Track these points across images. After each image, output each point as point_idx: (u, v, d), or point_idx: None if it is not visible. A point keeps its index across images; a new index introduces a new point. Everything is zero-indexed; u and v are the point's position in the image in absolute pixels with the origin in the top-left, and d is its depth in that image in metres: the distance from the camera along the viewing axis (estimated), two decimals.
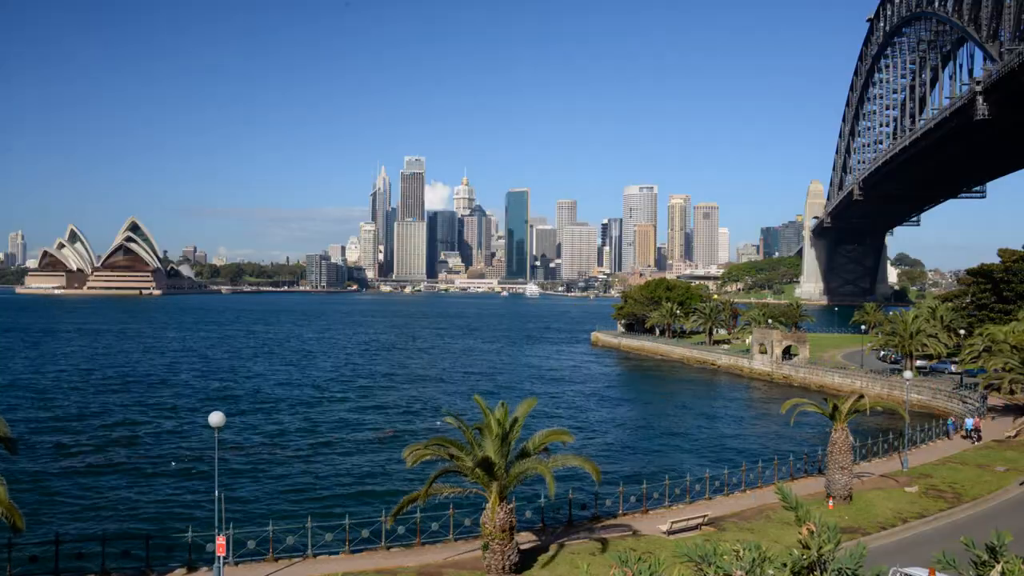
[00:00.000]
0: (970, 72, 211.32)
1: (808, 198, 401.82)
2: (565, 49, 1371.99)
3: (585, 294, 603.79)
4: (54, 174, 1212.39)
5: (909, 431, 46.52)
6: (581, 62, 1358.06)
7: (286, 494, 44.74)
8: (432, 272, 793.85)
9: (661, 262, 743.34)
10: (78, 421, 66.08)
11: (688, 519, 33.58)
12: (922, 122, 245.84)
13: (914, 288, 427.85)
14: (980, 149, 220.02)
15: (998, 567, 7.64)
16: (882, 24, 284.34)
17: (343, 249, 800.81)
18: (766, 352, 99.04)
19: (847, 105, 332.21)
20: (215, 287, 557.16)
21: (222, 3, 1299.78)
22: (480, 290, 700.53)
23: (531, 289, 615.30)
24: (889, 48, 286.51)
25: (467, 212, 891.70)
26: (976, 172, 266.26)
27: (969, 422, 53.06)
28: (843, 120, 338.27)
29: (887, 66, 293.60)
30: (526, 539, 31.24)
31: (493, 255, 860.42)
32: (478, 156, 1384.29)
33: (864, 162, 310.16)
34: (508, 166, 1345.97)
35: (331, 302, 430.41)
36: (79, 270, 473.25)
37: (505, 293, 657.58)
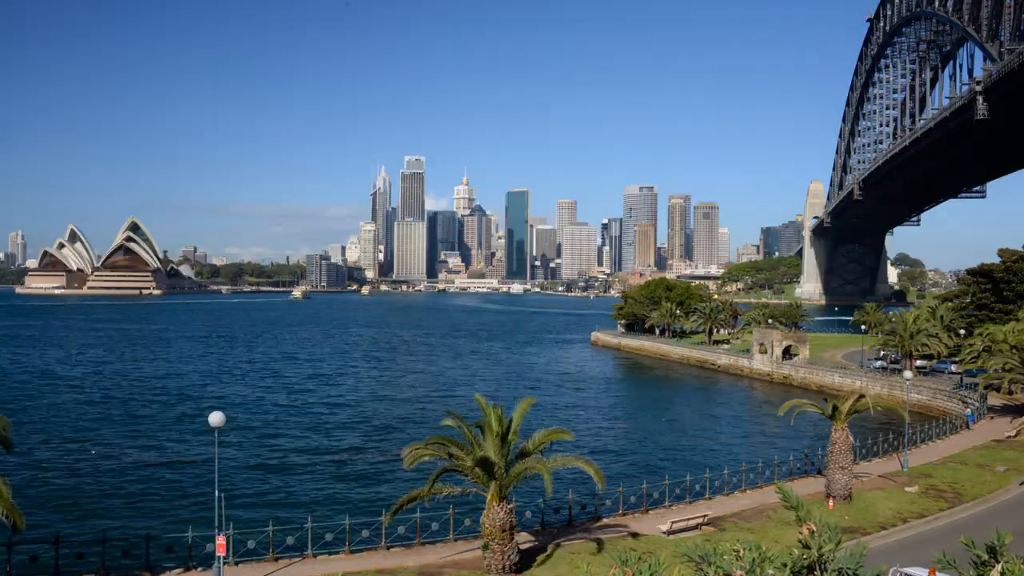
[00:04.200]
0: (970, 72, 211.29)
1: (808, 198, 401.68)
2: (565, 49, 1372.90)
3: (585, 294, 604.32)
4: (54, 174, 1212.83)
5: (909, 431, 46.51)
6: (581, 62, 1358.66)
7: (286, 494, 44.76)
8: (432, 272, 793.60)
9: (661, 262, 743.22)
10: (78, 421, 66.10)
11: (688, 519, 33.59)
12: (922, 122, 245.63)
13: (914, 288, 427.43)
14: (980, 149, 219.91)
15: (998, 567, 7.64)
16: (882, 24, 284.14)
17: (343, 249, 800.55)
18: (766, 352, 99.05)
19: (847, 105, 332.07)
20: (215, 287, 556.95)
21: (222, 3, 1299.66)
22: (481, 290, 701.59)
23: (515, 288, 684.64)
24: (889, 48, 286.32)
25: (467, 212, 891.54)
26: (976, 172, 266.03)
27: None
28: (843, 120, 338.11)
29: (887, 66, 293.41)
30: (526, 539, 31.25)
31: (493, 255, 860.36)
32: (478, 156, 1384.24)
33: (864, 162, 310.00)
34: (508, 166, 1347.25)
35: (327, 303, 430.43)
36: (79, 270, 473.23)
37: (505, 289, 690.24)
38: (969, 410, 58.91)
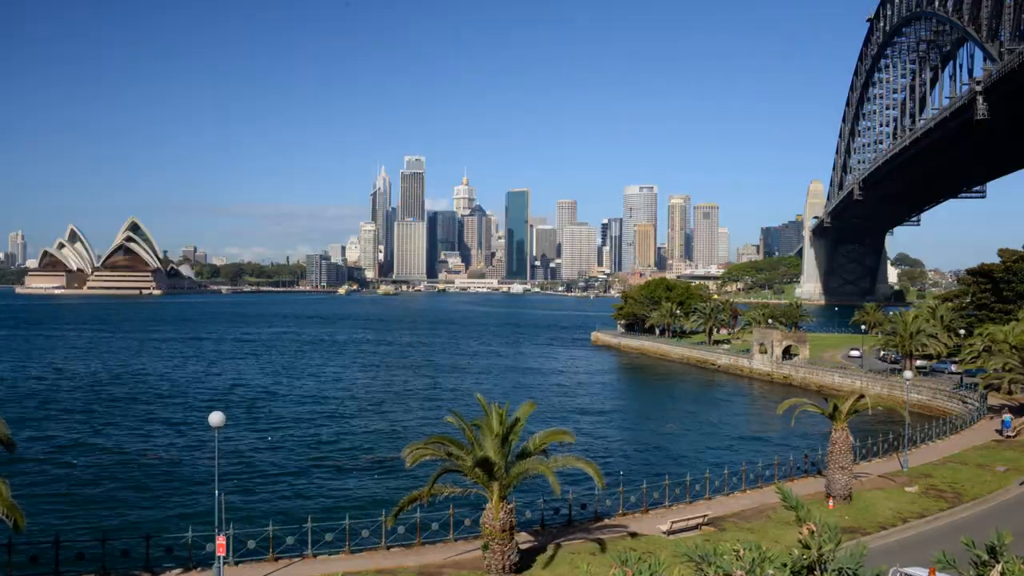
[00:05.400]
0: (970, 72, 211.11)
1: (808, 198, 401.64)
2: (565, 49, 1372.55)
3: (585, 294, 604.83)
4: (54, 174, 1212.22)
5: (909, 431, 46.51)
6: (581, 62, 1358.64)
7: (286, 494, 44.77)
8: (432, 272, 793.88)
9: (661, 262, 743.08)
10: (78, 421, 66.11)
11: (688, 519, 33.59)
12: (922, 122, 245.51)
13: (914, 288, 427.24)
14: (980, 149, 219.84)
15: (998, 567, 7.64)
16: (882, 24, 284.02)
17: (343, 249, 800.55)
18: (766, 352, 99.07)
19: (847, 105, 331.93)
20: (215, 287, 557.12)
21: (222, 3, 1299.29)
22: (481, 290, 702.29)
23: (515, 288, 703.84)
24: (889, 48, 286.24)
25: (467, 212, 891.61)
26: (976, 172, 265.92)
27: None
28: (843, 120, 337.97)
29: (887, 66, 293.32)
30: (526, 539, 31.25)
31: (493, 255, 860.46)
32: (478, 156, 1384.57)
33: (864, 162, 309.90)
34: (508, 166, 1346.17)
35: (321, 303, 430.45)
36: (79, 270, 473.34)
37: (505, 289, 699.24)
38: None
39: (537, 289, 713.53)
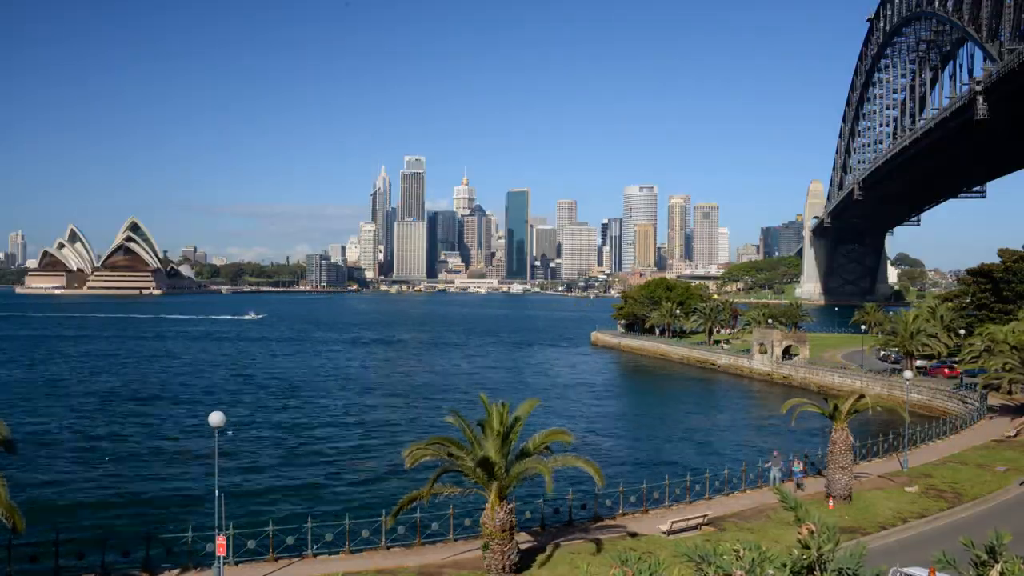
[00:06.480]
0: (970, 72, 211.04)
1: (808, 198, 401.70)
2: (565, 49, 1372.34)
3: (585, 294, 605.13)
4: (54, 174, 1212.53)
5: (909, 431, 46.51)
6: (581, 62, 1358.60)
7: (286, 494, 44.77)
8: (432, 272, 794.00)
9: (661, 262, 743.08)
10: (77, 421, 66.11)
11: (688, 519, 33.60)
12: (922, 122, 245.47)
13: (914, 288, 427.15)
14: (980, 149, 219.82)
15: (997, 567, 7.66)
16: (882, 24, 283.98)
17: (343, 249, 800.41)
18: (766, 352, 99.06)
19: (847, 105, 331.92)
20: (215, 287, 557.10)
21: (222, 3, 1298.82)
22: (480, 291, 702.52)
23: (515, 288, 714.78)
24: (889, 48, 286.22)
25: (467, 212, 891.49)
26: (976, 172, 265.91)
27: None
28: (843, 120, 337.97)
29: (887, 66, 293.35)
30: (526, 539, 31.25)
31: (493, 255, 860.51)
32: (478, 156, 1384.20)
33: (864, 162, 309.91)
34: (508, 166, 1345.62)
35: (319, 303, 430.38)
36: (79, 270, 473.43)
37: (505, 289, 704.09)
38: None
39: (537, 289, 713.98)
